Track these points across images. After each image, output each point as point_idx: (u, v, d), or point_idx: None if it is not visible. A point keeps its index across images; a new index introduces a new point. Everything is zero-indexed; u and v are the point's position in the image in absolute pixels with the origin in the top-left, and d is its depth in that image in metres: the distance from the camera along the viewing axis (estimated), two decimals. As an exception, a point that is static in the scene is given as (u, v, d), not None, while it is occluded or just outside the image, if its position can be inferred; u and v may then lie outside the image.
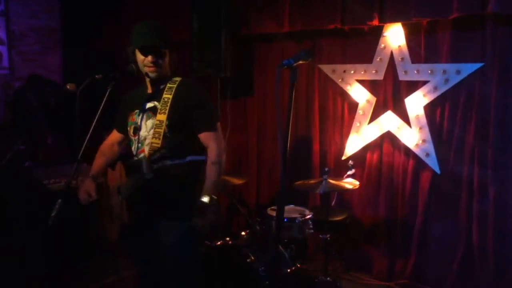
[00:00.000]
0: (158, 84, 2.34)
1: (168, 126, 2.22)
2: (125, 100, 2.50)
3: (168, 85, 2.31)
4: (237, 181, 3.60)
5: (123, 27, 4.82)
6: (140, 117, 2.33)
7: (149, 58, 2.24)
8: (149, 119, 2.29)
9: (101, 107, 2.20)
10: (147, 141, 2.27)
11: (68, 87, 2.35)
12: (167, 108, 2.23)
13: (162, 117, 2.22)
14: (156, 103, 2.29)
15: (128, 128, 2.40)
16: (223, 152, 2.32)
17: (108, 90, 2.24)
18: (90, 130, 2.17)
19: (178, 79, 2.35)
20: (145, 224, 2.34)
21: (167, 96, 2.26)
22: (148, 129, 2.28)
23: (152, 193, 2.27)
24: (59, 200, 2.07)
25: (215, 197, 2.20)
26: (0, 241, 3.22)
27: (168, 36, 2.32)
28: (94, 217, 3.86)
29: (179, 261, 2.31)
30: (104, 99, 2.20)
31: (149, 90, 2.37)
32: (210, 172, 2.25)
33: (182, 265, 2.31)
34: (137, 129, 2.33)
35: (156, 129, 2.22)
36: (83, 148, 2.16)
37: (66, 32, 4.93)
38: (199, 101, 2.31)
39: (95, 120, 2.19)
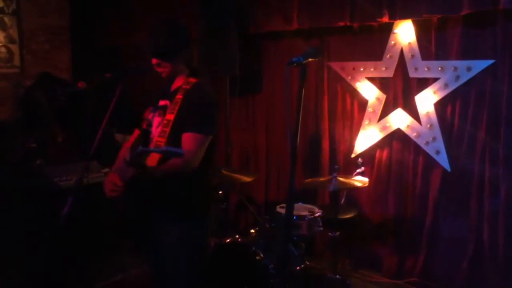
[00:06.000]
0: (173, 83, 2.33)
1: (173, 127, 2.19)
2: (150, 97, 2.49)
3: (183, 86, 2.27)
4: (246, 178, 3.60)
5: (131, 25, 4.85)
6: (152, 114, 2.34)
7: (153, 61, 2.24)
8: (159, 116, 2.30)
9: (111, 105, 2.20)
10: (154, 139, 2.27)
11: (78, 85, 2.35)
12: (176, 108, 2.20)
13: (170, 116, 2.21)
14: (168, 102, 2.28)
15: (142, 124, 2.40)
16: (194, 162, 2.14)
17: (118, 89, 2.24)
18: (101, 128, 2.17)
19: (194, 81, 2.29)
20: (145, 224, 2.33)
21: (179, 97, 2.23)
22: (156, 127, 2.29)
23: (150, 193, 2.25)
24: (70, 198, 2.08)
25: (145, 170, 2.04)
26: (11, 238, 3.25)
27: (177, 37, 2.25)
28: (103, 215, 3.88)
29: (179, 263, 2.27)
30: (115, 98, 2.20)
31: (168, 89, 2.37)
32: (173, 161, 2.09)
33: (182, 267, 2.27)
34: (149, 126, 2.34)
35: (163, 128, 2.21)
36: (94, 146, 2.16)
37: (75, 31, 4.96)
38: (201, 105, 2.21)
39: (105, 118, 2.19)
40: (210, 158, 2.28)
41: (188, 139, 2.15)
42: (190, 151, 2.12)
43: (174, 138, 2.19)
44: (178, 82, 2.32)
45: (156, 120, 2.31)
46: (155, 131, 2.29)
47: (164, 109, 2.29)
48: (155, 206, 2.27)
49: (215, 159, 2.42)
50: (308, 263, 3.34)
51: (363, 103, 3.97)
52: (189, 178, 2.22)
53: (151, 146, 2.23)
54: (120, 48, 4.87)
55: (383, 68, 3.80)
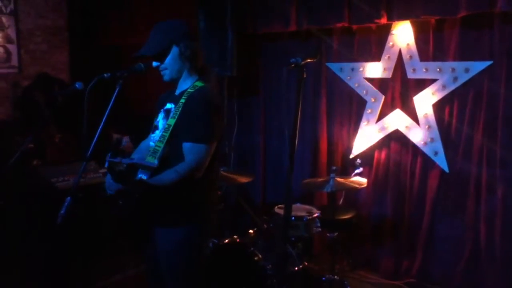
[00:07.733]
0: (179, 85, 2.29)
1: (172, 132, 2.15)
2: (159, 99, 2.44)
3: (189, 89, 2.22)
4: (243, 179, 3.59)
5: (129, 25, 4.85)
6: (159, 117, 2.30)
7: (153, 64, 2.23)
8: (163, 120, 2.27)
9: (109, 106, 2.19)
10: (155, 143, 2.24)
11: (76, 86, 2.34)
12: (178, 113, 2.16)
13: (171, 121, 2.17)
14: (173, 105, 2.24)
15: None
16: (196, 172, 2.11)
17: (116, 89, 2.22)
18: (99, 129, 2.16)
19: (199, 84, 2.24)
20: (144, 224, 2.32)
21: (183, 100, 2.18)
22: (160, 131, 2.26)
23: (146, 200, 2.22)
24: (68, 198, 2.06)
25: (137, 189, 2.06)
26: (8, 239, 3.24)
27: (168, 36, 2.20)
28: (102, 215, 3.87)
29: (176, 269, 2.26)
30: (113, 98, 2.19)
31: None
32: (165, 174, 2.08)
33: (179, 273, 2.26)
34: (156, 129, 2.30)
35: (163, 133, 2.17)
36: (91, 147, 2.15)
37: (72, 31, 4.96)
38: (199, 111, 2.14)
39: (103, 119, 2.18)
40: (211, 162, 2.21)
41: (188, 149, 2.12)
42: (191, 161, 2.10)
43: (173, 143, 2.15)
44: (185, 85, 2.27)
45: (161, 124, 2.29)
46: (159, 135, 2.26)
47: (168, 113, 2.25)
48: (155, 208, 2.25)
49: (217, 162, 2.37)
50: (306, 263, 3.33)
51: (362, 104, 3.97)
52: (190, 182, 2.18)
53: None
54: (118, 48, 4.85)
55: (382, 69, 3.80)
